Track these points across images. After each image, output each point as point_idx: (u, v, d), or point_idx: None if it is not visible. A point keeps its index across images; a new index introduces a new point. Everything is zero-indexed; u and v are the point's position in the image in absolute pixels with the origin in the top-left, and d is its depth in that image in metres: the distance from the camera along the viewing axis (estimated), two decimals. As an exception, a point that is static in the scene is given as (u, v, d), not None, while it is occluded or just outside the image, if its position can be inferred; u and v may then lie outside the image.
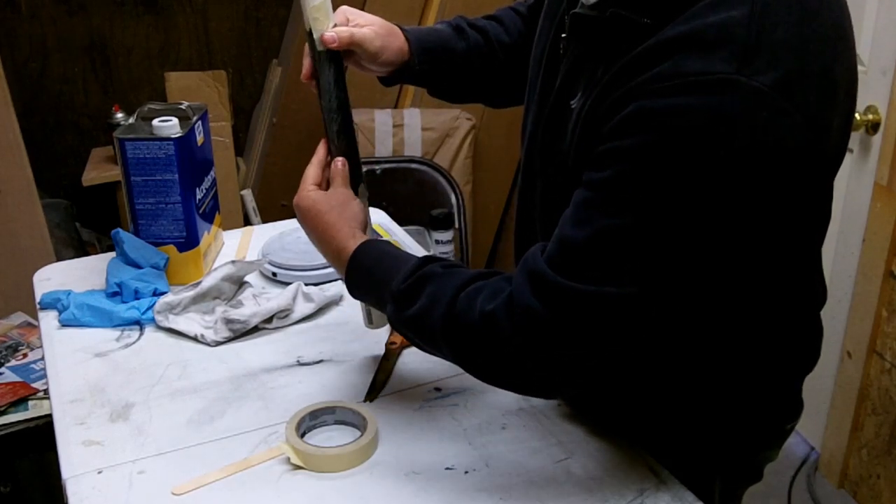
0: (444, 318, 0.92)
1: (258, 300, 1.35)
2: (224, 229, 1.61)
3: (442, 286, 0.94)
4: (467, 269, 0.98)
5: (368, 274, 1.02)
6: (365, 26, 1.11)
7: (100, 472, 1.02)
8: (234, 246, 1.58)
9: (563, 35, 1.00)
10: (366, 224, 1.10)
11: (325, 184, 1.11)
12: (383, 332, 1.28)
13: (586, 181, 0.86)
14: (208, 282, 1.34)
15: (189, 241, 1.42)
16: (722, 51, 0.78)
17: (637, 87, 0.81)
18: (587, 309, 0.84)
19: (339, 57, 1.10)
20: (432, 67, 1.18)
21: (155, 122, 1.36)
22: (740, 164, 0.79)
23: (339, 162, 1.11)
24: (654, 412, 1.06)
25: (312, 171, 1.11)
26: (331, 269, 1.42)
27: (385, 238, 1.17)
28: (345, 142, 1.12)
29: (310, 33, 1.08)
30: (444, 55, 1.18)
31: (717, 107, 0.78)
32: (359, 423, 1.07)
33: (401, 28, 1.16)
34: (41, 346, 1.32)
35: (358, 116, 2.79)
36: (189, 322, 1.30)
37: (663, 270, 0.83)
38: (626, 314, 0.84)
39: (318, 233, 1.07)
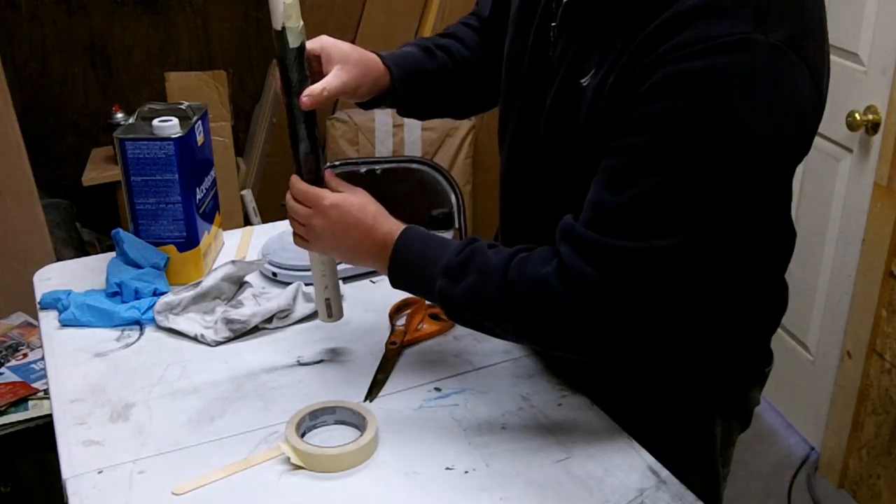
0: (500, 287, 0.97)
1: (258, 300, 1.35)
2: (224, 229, 1.61)
3: (490, 260, 1.00)
4: (507, 248, 1.02)
5: (418, 254, 1.05)
6: (337, 64, 1.11)
7: (100, 472, 1.02)
8: (234, 246, 1.58)
9: (553, 24, 1.04)
10: None
11: None
12: (383, 332, 1.28)
13: (616, 149, 0.92)
14: (208, 282, 1.34)
15: (189, 241, 1.42)
16: (739, 14, 0.86)
17: (663, 54, 0.88)
18: (638, 264, 0.91)
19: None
20: (412, 90, 1.22)
21: (155, 122, 1.36)
22: (766, 114, 0.87)
23: (327, 172, 1.13)
24: (650, 364, 1.10)
25: (305, 187, 1.12)
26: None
27: None
28: (314, 164, 1.12)
29: (279, 34, 1.05)
30: (421, 77, 1.23)
31: (742, 64, 0.85)
32: (359, 423, 1.07)
33: (379, 55, 1.19)
34: (41, 346, 1.32)
35: (358, 116, 2.79)
36: (189, 322, 1.30)
37: (704, 220, 0.90)
38: (673, 265, 0.91)
39: (356, 236, 1.08)
